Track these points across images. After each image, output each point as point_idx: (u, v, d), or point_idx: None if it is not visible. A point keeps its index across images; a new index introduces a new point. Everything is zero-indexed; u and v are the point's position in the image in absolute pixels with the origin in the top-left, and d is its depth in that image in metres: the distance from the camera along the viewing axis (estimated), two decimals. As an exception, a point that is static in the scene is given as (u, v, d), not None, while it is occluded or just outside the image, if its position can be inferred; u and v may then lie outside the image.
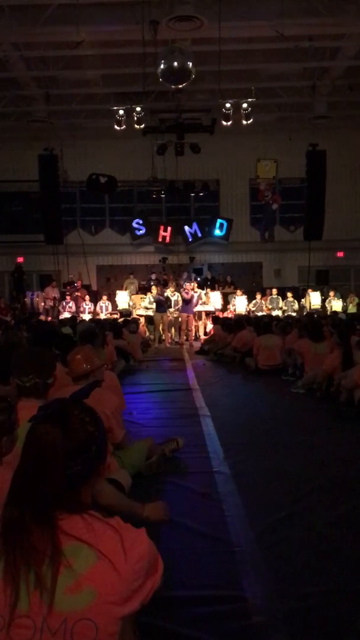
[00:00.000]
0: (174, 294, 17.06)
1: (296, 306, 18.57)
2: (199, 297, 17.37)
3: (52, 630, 1.36)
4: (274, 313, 17.38)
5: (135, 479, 3.97)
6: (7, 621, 1.37)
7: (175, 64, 12.89)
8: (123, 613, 1.43)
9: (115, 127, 16.41)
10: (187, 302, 16.04)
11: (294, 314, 17.21)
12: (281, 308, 18.47)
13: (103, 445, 1.64)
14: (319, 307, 18.23)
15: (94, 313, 18.17)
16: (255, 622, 2.50)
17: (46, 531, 1.43)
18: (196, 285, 18.03)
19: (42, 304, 18.75)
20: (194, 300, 16.70)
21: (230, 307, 18.25)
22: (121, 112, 16.20)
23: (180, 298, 16.52)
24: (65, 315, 17.18)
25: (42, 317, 17.35)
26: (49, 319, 17.14)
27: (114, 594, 1.41)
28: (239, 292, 18.63)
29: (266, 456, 5.08)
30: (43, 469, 1.48)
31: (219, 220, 21.16)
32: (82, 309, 18.32)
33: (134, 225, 21.40)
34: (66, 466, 1.50)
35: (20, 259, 19.53)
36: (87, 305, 18.47)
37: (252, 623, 2.51)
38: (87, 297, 18.74)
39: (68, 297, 18.58)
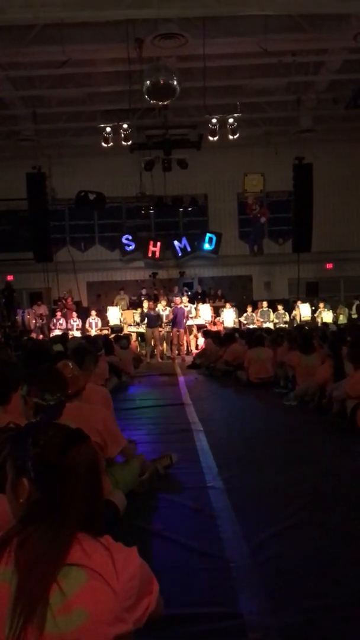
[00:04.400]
0: (165, 309, 17.08)
1: (287, 318, 18.63)
2: (189, 312, 17.39)
3: None
4: (265, 325, 17.41)
5: (128, 496, 3.95)
6: None
7: (160, 81, 13.00)
8: (116, 633, 1.41)
9: (103, 144, 16.49)
10: (177, 316, 16.06)
11: (285, 326, 17.26)
12: (272, 320, 18.51)
13: None
14: (309, 318, 18.29)
15: (83, 329, 18.13)
16: (252, 638, 2.48)
17: (57, 549, 1.44)
18: (187, 299, 18.05)
19: (33, 321, 18.71)
20: (185, 314, 16.72)
21: (219, 320, 18.27)
22: (108, 129, 16.28)
23: (170, 313, 16.56)
24: (57, 332, 17.13)
25: (34, 335, 17.30)
26: (41, 336, 17.09)
27: (106, 614, 1.40)
28: (227, 305, 18.69)
29: (260, 470, 5.06)
30: (90, 484, 1.55)
31: (208, 235, 21.26)
32: (70, 325, 18.28)
33: (124, 241, 21.44)
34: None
35: (10, 277, 19.48)
36: (75, 322, 18.43)
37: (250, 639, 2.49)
38: (74, 313, 18.69)
39: (58, 314, 18.54)
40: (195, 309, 17.97)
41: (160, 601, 1.58)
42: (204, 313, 17.97)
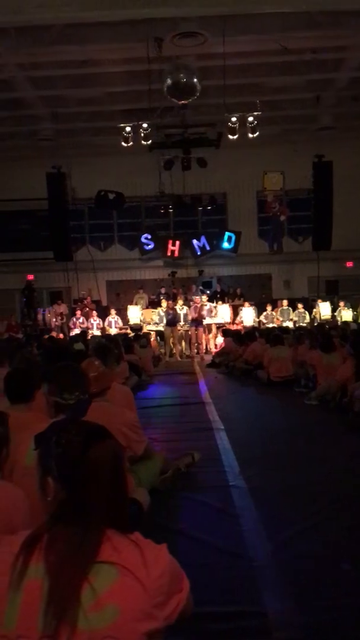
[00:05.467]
0: (183, 308, 17.09)
1: (308, 317, 18.52)
2: (210, 310, 17.38)
3: None
4: (285, 324, 17.34)
5: (150, 494, 3.96)
6: None
7: (182, 79, 13.00)
8: (146, 629, 1.42)
9: (122, 143, 16.52)
10: (195, 317, 16.08)
11: (305, 325, 17.16)
12: (292, 319, 18.42)
13: None
14: (329, 317, 18.17)
15: (103, 328, 18.21)
16: (277, 637, 2.48)
17: (87, 547, 1.45)
18: (206, 298, 18.04)
19: (54, 320, 18.86)
20: (204, 313, 16.71)
21: (238, 319, 18.23)
22: (128, 128, 16.31)
23: (189, 311, 16.59)
24: (77, 331, 17.24)
25: (54, 334, 17.42)
26: (61, 335, 17.21)
27: (136, 610, 1.41)
28: (246, 304, 18.62)
29: (281, 469, 5.06)
30: (114, 480, 1.55)
31: (227, 233, 21.19)
32: (90, 324, 18.36)
33: (143, 240, 21.46)
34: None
35: (30, 277, 19.61)
36: (96, 321, 18.51)
37: (274, 638, 2.49)
38: (94, 312, 18.78)
39: (78, 313, 18.64)
40: (214, 307, 17.94)
41: (191, 599, 1.58)
42: (223, 313, 17.93)
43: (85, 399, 2.88)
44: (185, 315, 16.87)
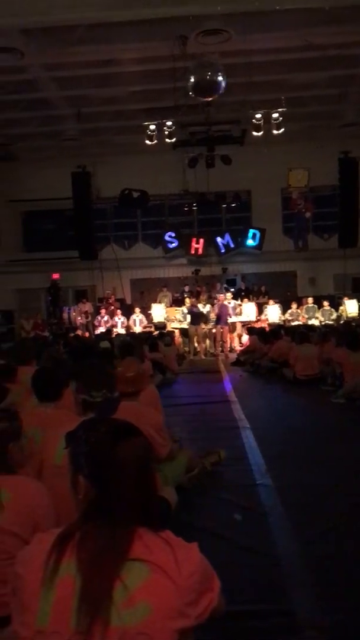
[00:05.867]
0: (206, 306, 17.07)
1: (334, 315, 18.35)
2: (234, 308, 17.33)
3: None
4: (311, 322, 17.21)
5: (177, 492, 3.96)
6: (65, 638, 1.38)
7: (206, 77, 12.98)
8: (178, 628, 1.42)
9: (147, 142, 16.55)
10: (220, 315, 16.05)
11: (332, 323, 17.02)
12: (317, 317, 18.28)
13: None
14: (356, 315, 17.98)
15: (127, 327, 18.27)
16: (307, 636, 2.47)
17: (119, 541, 1.46)
18: (231, 296, 17.98)
19: (79, 319, 18.99)
20: (229, 310, 16.67)
21: (263, 316, 18.14)
22: (152, 127, 16.33)
23: (212, 309, 16.58)
24: (101, 329, 17.33)
25: (79, 332, 17.56)
26: (86, 334, 17.33)
27: (168, 608, 1.41)
28: (271, 301, 18.51)
29: (308, 468, 5.03)
30: (141, 478, 1.55)
31: (251, 230, 21.09)
32: (114, 322, 18.44)
33: (166, 238, 21.48)
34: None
35: (55, 276, 19.76)
36: (120, 319, 18.58)
37: (304, 637, 2.48)
38: (118, 311, 18.86)
39: (103, 311, 18.74)
40: (239, 305, 17.89)
41: (222, 598, 1.58)
42: (248, 311, 17.86)
43: (114, 398, 2.90)
44: (209, 313, 16.86)
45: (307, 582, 2.98)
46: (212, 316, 16.62)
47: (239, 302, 18.12)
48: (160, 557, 1.46)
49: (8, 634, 1.61)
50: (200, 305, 16.98)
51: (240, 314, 17.61)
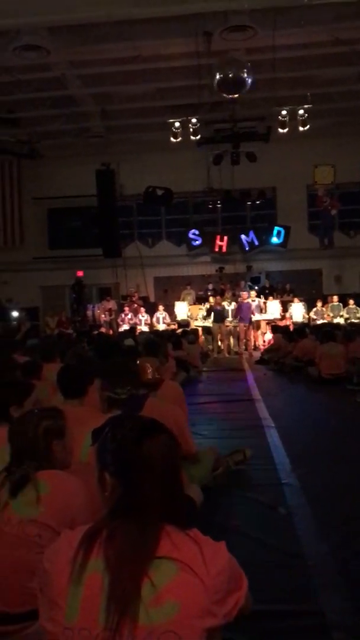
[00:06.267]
0: (231, 304, 17.02)
1: (359, 313, 18.16)
2: (258, 306, 17.24)
3: None
4: (336, 321, 17.04)
5: (202, 491, 3.93)
6: (93, 635, 1.38)
7: (231, 74, 12.91)
8: (206, 626, 1.41)
9: (172, 139, 16.54)
10: (243, 310, 15.98)
11: (357, 322, 16.83)
12: (343, 316, 18.09)
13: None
14: (382, 313, 17.79)
15: (151, 324, 18.29)
16: (335, 637, 2.43)
17: (147, 538, 1.45)
18: (255, 294, 17.89)
19: (103, 316, 19.07)
20: (253, 308, 16.59)
21: (287, 314, 18.02)
22: (177, 124, 16.31)
23: (233, 306, 16.53)
24: (125, 327, 17.37)
25: (103, 330, 17.62)
26: (110, 331, 17.39)
27: (196, 606, 1.40)
28: (296, 299, 18.38)
29: (334, 468, 4.98)
30: (166, 476, 1.53)
31: (276, 228, 20.93)
32: (138, 320, 18.48)
33: (190, 236, 21.43)
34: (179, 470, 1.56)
35: (80, 273, 19.86)
36: (144, 317, 18.62)
37: (332, 638, 2.44)
38: (142, 309, 18.90)
39: (127, 309, 18.79)
40: (263, 303, 17.79)
41: (250, 597, 1.57)
42: (272, 309, 17.76)
43: (141, 395, 2.89)
44: (233, 311, 16.80)
45: (335, 583, 2.93)
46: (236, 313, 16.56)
47: (263, 300, 18.02)
48: (189, 555, 1.44)
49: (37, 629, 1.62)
50: (225, 303, 16.93)
51: (264, 311, 17.50)
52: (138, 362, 4.11)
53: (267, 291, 19.38)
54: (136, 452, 1.54)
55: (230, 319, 16.72)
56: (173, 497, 1.55)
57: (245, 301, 16.36)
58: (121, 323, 18.40)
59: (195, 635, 1.39)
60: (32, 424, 2.33)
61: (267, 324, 17.19)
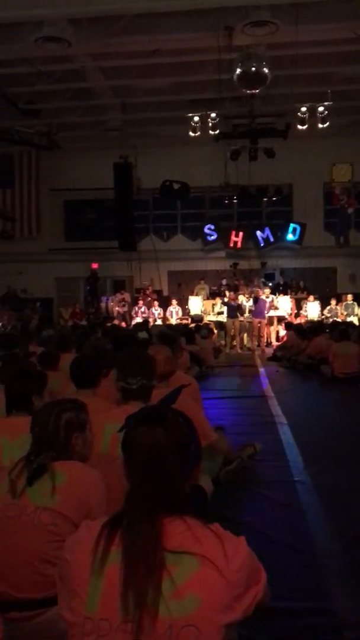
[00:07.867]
0: (249, 300, 16.99)
1: (374, 312, 18.06)
2: (272, 303, 17.20)
3: (158, 636, 1.37)
4: (349, 319, 16.95)
5: (214, 486, 3.93)
6: (114, 626, 1.39)
7: (252, 68, 12.87)
8: (225, 621, 1.42)
9: (190, 133, 16.50)
10: (258, 306, 15.94)
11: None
12: (357, 314, 17.99)
13: (199, 445, 1.66)
14: None
15: (164, 318, 18.31)
16: (347, 637, 2.44)
17: (151, 531, 1.46)
18: (269, 290, 17.85)
19: (116, 309, 19.12)
20: (267, 305, 16.55)
21: (302, 312, 17.96)
22: (196, 118, 16.27)
23: (251, 302, 16.49)
24: (138, 320, 17.40)
25: (117, 322, 17.66)
26: (123, 324, 17.43)
27: (217, 601, 1.41)
28: (311, 297, 18.31)
29: (347, 467, 4.96)
30: (150, 468, 1.52)
31: (291, 225, 20.86)
32: (151, 313, 18.51)
33: (206, 230, 21.41)
34: (169, 465, 1.53)
35: (94, 265, 19.92)
36: (157, 311, 18.64)
37: (342, 637, 2.45)
38: (155, 302, 18.91)
39: (140, 302, 18.83)
40: (276, 300, 17.75)
41: (268, 590, 1.57)
42: (283, 304, 17.71)
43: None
44: (251, 307, 16.75)
45: (346, 582, 2.94)
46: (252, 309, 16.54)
47: (276, 296, 17.97)
48: (210, 550, 1.45)
49: (56, 614, 1.64)
50: (243, 299, 16.92)
51: (276, 307, 17.45)
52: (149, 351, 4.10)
53: (281, 288, 19.35)
54: (127, 440, 1.58)
55: (247, 314, 16.70)
56: (167, 489, 1.52)
57: (261, 297, 16.33)
58: (134, 316, 18.45)
59: (215, 629, 1.39)
60: (53, 415, 2.35)
61: (279, 320, 17.15)
